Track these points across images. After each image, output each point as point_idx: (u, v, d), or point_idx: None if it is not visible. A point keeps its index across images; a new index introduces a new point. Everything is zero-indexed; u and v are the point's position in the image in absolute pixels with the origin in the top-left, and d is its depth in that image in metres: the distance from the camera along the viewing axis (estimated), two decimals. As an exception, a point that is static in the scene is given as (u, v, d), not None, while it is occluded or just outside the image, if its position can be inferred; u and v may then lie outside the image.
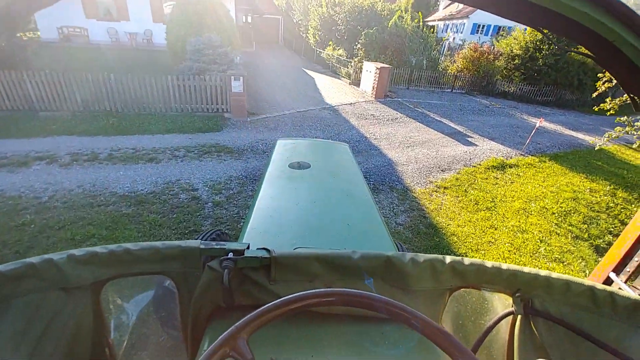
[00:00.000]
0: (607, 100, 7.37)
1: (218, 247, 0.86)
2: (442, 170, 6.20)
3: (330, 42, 18.49)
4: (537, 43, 15.07)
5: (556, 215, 5.08)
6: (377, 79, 11.52)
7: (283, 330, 0.83)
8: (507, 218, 4.81)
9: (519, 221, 4.76)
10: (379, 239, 1.57)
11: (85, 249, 0.78)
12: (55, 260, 0.74)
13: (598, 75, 7.12)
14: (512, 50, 15.75)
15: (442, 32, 28.12)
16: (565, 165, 7.44)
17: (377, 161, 6.29)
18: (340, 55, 16.34)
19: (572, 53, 14.72)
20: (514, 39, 15.79)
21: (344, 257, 0.87)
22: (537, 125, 7.39)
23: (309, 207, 1.69)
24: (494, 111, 12.60)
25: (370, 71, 12.05)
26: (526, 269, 0.85)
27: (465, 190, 5.48)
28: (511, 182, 6.13)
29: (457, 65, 16.17)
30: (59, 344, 0.74)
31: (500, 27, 24.19)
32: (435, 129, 9.03)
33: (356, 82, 13.69)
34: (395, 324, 0.86)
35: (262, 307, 0.53)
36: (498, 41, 16.96)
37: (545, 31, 0.89)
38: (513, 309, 0.90)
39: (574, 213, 5.22)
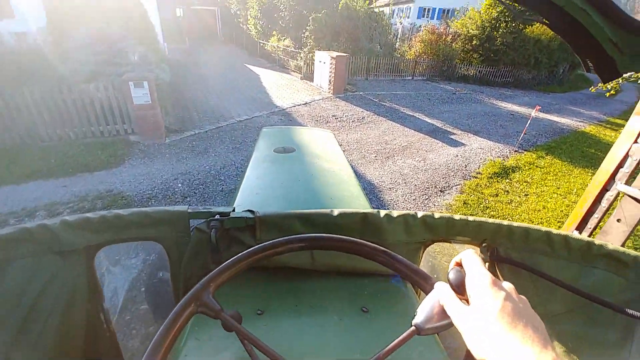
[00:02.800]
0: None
1: (205, 210, 0.87)
2: (440, 191, 4.61)
3: (274, 32, 16.30)
4: (493, 21, 14.35)
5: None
6: (333, 71, 9.71)
7: (269, 286, 0.88)
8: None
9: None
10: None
11: (77, 214, 0.78)
12: (49, 225, 0.73)
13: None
14: (468, 31, 14.89)
15: (391, 18, 27.17)
16: (565, 159, 6.31)
17: (353, 187, 4.51)
18: (287, 46, 14.30)
19: (528, 25, 14.26)
20: (469, 18, 14.91)
21: (323, 215, 0.89)
22: (533, 114, 6.15)
23: (294, 186, 1.66)
24: (463, 98, 11.50)
25: (324, 62, 10.20)
26: (490, 220, 0.88)
27: (482, 221, 3.93)
28: (525, 195, 4.73)
29: (416, 50, 14.97)
30: (55, 306, 0.74)
31: (444, 9, 23.71)
32: (410, 127, 7.49)
33: (309, 76, 11.77)
34: (376, 278, 0.93)
35: (224, 264, 0.54)
36: (452, 22, 16.05)
37: None
38: (481, 257, 0.94)
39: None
